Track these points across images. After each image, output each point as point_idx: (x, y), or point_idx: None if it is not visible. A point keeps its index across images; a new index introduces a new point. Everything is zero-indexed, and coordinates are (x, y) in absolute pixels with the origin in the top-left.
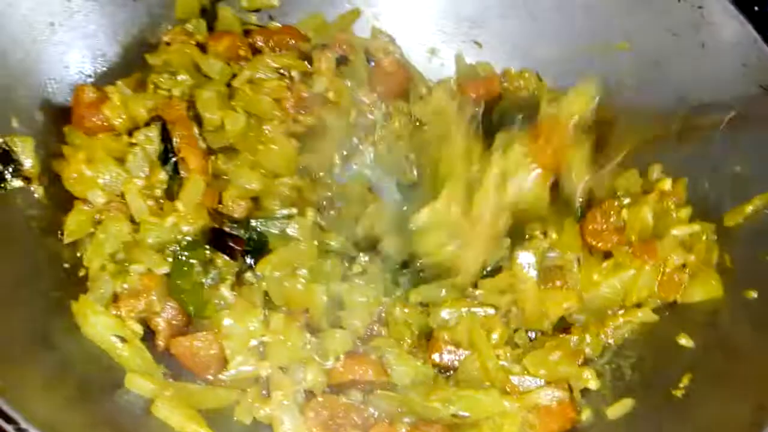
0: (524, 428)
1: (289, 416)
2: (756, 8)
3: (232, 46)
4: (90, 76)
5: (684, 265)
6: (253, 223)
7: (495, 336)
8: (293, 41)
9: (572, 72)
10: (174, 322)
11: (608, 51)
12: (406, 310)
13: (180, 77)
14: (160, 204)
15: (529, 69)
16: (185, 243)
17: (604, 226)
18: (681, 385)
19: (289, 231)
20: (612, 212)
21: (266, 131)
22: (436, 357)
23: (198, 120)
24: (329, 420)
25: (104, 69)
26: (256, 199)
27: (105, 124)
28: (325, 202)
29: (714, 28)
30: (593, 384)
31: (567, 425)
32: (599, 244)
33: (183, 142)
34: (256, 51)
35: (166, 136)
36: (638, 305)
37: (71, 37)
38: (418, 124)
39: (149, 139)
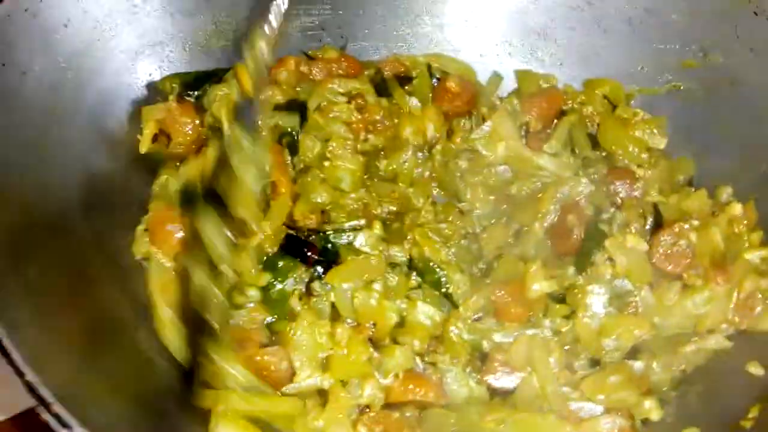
0: None
1: (341, 430)
2: None
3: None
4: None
5: (758, 292)
6: (324, 233)
7: (552, 359)
8: (349, 68)
9: (644, 85)
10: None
11: (680, 66)
12: (461, 328)
13: None
14: None
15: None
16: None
17: (674, 249)
18: (750, 416)
19: (357, 243)
20: (682, 235)
21: (331, 148)
22: (490, 379)
23: (290, 147)
24: None
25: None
26: (324, 215)
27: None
28: (388, 216)
29: None
30: (655, 415)
31: None
32: (669, 268)
33: (276, 167)
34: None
35: None
36: (710, 331)
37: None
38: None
39: None
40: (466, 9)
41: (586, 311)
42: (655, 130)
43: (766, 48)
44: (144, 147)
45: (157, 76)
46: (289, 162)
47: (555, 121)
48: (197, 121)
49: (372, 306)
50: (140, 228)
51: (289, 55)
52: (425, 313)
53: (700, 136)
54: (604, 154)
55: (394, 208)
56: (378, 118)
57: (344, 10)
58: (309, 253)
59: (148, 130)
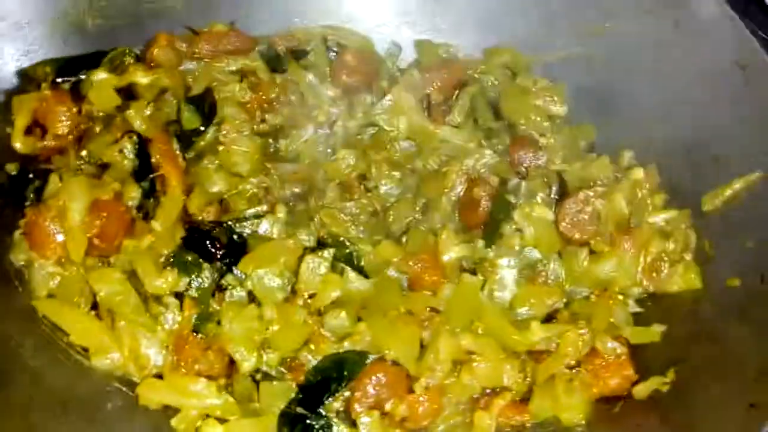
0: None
1: None
2: None
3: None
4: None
5: (663, 254)
6: (226, 224)
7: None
8: (239, 44)
9: (543, 51)
10: None
11: (579, 32)
12: None
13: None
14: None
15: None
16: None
17: (580, 217)
18: (666, 380)
19: (261, 231)
20: (587, 202)
21: (224, 131)
22: None
23: (179, 136)
24: None
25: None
26: (223, 205)
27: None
28: (292, 198)
29: (689, 7)
30: None
31: None
32: (576, 236)
33: (163, 158)
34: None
35: (142, 151)
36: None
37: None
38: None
39: (123, 155)
40: None
41: (497, 283)
42: (555, 98)
43: (665, 12)
44: (17, 140)
45: (26, 62)
46: (178, 152)
47: (456, 92)
48: (74, 110)
49: (319, 274)
50: (18, 232)
51: (159, 32)
52: (359, 282)
53: (600, 101)
54: (506, 123)
55: (297, 190)
56: (273, 96)
57: None
58: (213, 249)
59: (21, 121)
